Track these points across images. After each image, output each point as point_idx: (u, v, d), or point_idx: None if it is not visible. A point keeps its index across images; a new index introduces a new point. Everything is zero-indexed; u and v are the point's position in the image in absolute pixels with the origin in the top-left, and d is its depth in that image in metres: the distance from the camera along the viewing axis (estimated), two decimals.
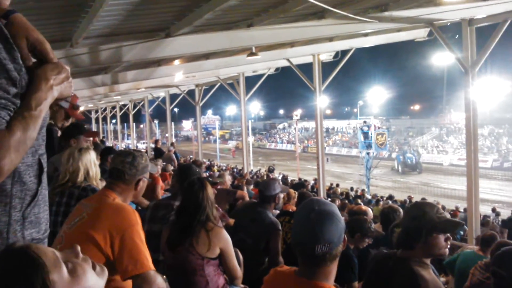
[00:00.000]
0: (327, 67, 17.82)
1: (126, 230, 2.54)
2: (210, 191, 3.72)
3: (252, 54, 13.26)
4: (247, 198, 7.03)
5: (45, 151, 1.59)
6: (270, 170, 29.36)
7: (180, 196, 4.19)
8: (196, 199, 3.59)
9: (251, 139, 51.00)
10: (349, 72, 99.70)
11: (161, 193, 7.18)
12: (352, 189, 28.92)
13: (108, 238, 2.51)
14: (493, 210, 22.11)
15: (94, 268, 1.19)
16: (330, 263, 2.03)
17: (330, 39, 14.78)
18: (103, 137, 38.60)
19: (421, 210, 2.77)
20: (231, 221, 5.38)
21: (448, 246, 2.80)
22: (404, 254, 2.79)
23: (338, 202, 14.77)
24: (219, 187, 7.57)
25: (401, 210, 5.57)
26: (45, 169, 1.55)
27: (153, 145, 24.91)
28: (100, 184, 4.04)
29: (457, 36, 13.00)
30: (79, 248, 1.18)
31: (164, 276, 3.01)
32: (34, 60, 1.49)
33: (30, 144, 1.38)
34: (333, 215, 2.03)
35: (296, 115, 55.13)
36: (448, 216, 2.86)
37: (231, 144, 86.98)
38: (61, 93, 1.47)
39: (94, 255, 2.49)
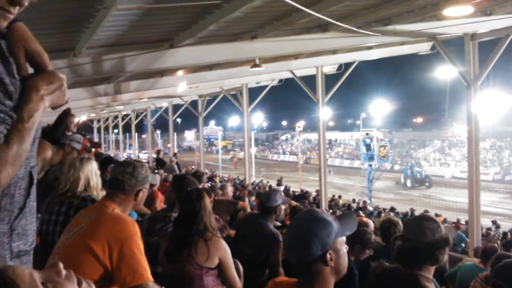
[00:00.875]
0: (330, 79, 17.86)
1: (125, 241, 2.53)
2: (208, 201, 3.72)
3: (255, 65, 13.30)
4: (249, 209, 7.01)
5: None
6: (279, 182, 29.62)
7: (177, 207, 4.19)
8: (193, 209, 3.61)
9: (253, 150, 50.90)
10: (352, 85, 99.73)
11: (160, 206, 7.17)
12: (354, 200, 28.90)
13: (107, 249, 2.50)
14: (494, 222, 22.06)
15: (80, 284, 1.16)
16: (324, 270, 2.02)
17: (334, 51, 14.84)
18: (109, 156, 38.44)
19: (435, 222, 2.81)
20: (232, 232, 5.37)
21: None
22: (410, 269, 2.79)
23: (338, 213, 14.76)
24: (220, 197, 7.59)
25: (401, 223, 5.54)
26: (35, 181, 1.54)
27: (155, 155, 24.92)
28: (101, 194, 4.03)
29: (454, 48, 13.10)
30: (61, 265, 1.15)
31: None
32: (31, 71, 1.49)
33: (25, 157, 1.38)
34: (322, 221, 2.03)
35: (299, 127, 55.25)
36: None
37: (231, 154, 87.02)
38: (53, 103, 1.45)
39: (93, 266, 2.49)
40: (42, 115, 1.42)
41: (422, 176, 50.29)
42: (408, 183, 49.93)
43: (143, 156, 53.98)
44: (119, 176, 2.85)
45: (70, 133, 4.73)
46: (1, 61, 1.36)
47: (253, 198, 12.05)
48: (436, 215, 22.58)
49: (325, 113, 17.33)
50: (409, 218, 3.37)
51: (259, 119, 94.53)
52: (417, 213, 24.79)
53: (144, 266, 2.52)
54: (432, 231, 2.76)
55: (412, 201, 35.78)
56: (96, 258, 2.49)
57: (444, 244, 2.75)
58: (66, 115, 4.65)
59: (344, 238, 2.10)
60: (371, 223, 6.35)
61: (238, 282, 3.64)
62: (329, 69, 17.78)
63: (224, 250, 3.56)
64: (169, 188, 4.83)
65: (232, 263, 3.61)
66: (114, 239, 2.53)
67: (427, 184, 49.57)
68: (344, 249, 2.08)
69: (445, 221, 18.83)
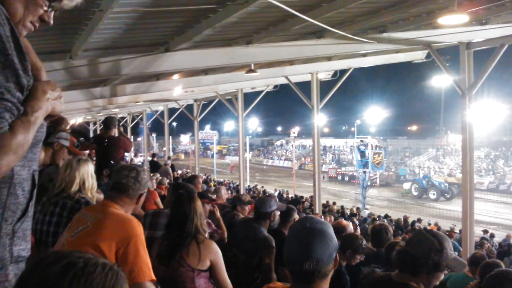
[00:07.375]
0: (325, 86, 17.92)
1: (131, 239, 2.63)
2: (199, 204, 3.75)
3: (251, 71, 13.32)
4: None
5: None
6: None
7: None
8: (183, 211, 3.64)
9: (248, 155, 50.69)
10: (347, 91, 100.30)
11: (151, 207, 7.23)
12: (342, 207, 28.88)
13: (113, 247, 2.61)
14: (485, 232, 22.01)
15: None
16: (319, 281, 2.02)
17: (329, 58, 14.88)
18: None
19: (440, 245, 2.76)
20: (225, 235, 5.38)
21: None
22: (403, 277, 2.80)
23: (329, 219, 14.77)
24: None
25: (391, 229, 5.54)
26: (36, 185, 1.57)
27: (149, 158, 24.93)
28: (96, 197, 4.06)
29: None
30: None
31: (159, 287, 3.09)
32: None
33: (26, 149, 1.41)
34: (323, 234, 2.02)
35: (294, 132, 55.15)
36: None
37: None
38: (54, 109, 1.53)
39: None
40: (44, 116, 1.49)
41: (446, 188, 46.33)
42: (432, 195, 46.03)
43: (138, 159, 53.74)
44: (123, 180, 2.94)
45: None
46: (18, 55, 1.39)
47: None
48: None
49: (320, 119, 17.40)
50: (424, 228, 3.34)
51: (254, 124, 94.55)
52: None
53: (148, 265, 2.65)
54: (429, 247, 2.74)
55: (406, 209, 35.68)
56: (102, 255, 2.53)
57: (433, 265, 2.73)
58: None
59: None
60: (350, 226, 6.26)
61: (230, 285, 3.64)
62: (324, 75, 17.85)
63: (215, 253, 3.57)
64: (169, 193, 4.91)
65: (223, 265, 3.62)
66: (121, 238, 2.63)
67: (447, 195, 45.76)
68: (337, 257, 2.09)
69: (438, 229, 18.27)
